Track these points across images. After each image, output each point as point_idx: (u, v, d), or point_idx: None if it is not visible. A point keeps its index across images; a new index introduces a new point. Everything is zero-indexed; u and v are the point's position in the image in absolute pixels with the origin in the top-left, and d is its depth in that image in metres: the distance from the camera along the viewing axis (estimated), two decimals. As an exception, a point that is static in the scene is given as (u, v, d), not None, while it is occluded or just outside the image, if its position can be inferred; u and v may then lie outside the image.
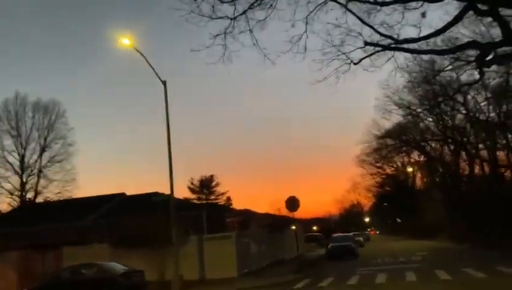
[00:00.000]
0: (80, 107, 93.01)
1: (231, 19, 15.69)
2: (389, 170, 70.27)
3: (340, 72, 17.67)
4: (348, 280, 16.10)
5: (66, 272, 16.37)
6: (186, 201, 39.82)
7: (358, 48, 17.35)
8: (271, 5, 15.54)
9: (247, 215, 33.26)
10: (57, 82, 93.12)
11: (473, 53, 21.40)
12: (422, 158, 56.70)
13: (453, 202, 43.69)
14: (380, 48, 17.31)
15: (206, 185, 62.47)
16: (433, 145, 50.51)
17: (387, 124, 49.28)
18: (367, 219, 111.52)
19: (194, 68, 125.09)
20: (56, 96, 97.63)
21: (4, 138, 43.35)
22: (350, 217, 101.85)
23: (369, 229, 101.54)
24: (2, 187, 42.76)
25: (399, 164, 68.29)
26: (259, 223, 33.04)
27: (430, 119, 45.73)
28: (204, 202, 56.63)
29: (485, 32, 22.94)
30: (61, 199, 41.22)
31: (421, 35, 16.62)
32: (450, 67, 28.39)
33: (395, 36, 16.77)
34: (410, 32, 22.45)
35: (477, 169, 42.93)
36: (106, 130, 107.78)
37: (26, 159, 43.48)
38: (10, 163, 43.00)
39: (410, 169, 64.63)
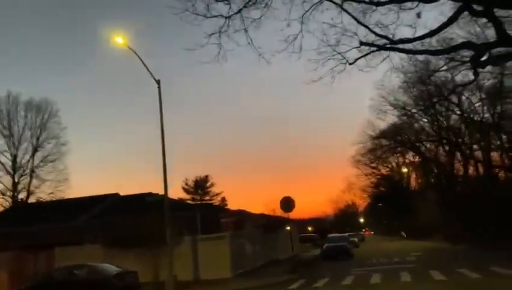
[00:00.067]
0: (76, 107, 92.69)
1: (226, 17, 15.68)
2: (384, 171, 70.33)
3: (335, 72, 17.67)
4: (342, 280, 16.05)
5: (58, 273, 16.19)
6: (180, 201, 39.64)
7: (353, 48, 17.35)
8: (266, 4, 15.55)
9: (242, 216, 33.15)
10: (53, 82, 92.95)
11: (467, 54, 21.47)
12: (417, 159, 56.92)
13: (447, 203, 43.83)
14: (375, 48, 17.34)
15: (200, 185, 62.30)
16: (428, 145, 50.68)
17: (382, 125, 49.47)
18: (362, 220, 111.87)
19: (192, 68, 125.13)
20: (52, 97, 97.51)
21: (-4, 137, 42.97)
22: (345, 217, 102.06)
23: (364, 230, 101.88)
24: (-6, 187, 42.37)
25: (394, 164, 68.38)
26: (254, 223, 32.95)
27: (425, 120, 45.93)
28: (199, 202, 56.46)
29: (480, 33, 22.99)
30: (53, 199, 40.93)
31: (416, 35, 16.67)
32: (445, 67, 28.47)
33: (390, 36, 16.82)
34: (405, 33, 22.43)
35: (471, 170, 43.17)
36: (102, 130, 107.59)
37: (18, 159, 43.11)
38: (2, 163, 42.64)
39: (405, 169, 64.69)
